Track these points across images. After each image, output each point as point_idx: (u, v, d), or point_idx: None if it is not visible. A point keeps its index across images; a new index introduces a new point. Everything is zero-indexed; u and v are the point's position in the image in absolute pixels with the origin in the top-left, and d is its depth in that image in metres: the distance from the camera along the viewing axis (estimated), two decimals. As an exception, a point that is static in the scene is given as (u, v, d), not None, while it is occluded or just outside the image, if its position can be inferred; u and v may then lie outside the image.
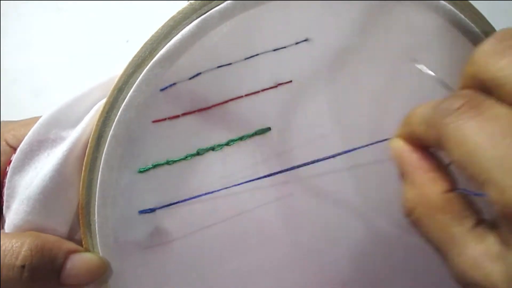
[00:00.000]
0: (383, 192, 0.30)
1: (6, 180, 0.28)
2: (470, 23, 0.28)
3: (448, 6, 0.28)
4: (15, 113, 0.44)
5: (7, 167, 0.28)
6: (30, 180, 0.27)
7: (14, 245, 0.25)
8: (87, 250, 0.28)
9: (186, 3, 0.27)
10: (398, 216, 0.29)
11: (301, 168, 0.29)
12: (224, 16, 0.26)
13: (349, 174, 0.30)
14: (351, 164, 0.30)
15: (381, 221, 0.30)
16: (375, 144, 0.29)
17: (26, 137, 0.28)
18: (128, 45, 0.50)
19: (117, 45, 0.49)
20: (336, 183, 0.30)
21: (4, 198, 0.28)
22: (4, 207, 0.28)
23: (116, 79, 0.26)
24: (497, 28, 0.30)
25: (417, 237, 0.30)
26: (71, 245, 0.27)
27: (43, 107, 0.31)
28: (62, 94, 0.28)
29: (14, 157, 0.27)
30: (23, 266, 0.25)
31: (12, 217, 0.27)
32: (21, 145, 0.27)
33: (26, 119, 0.30)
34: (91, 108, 0.27)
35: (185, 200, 0.28)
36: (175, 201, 0.28)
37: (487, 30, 0.29)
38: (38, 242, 0.26)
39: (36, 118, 0.29)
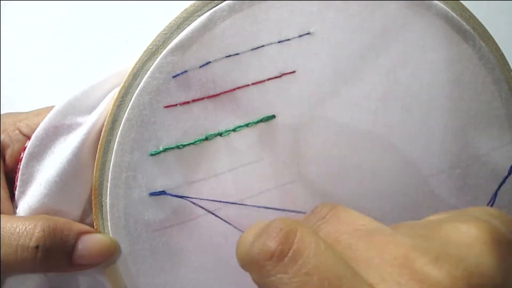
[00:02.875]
0: (385, 190, 0.32)
1: (21, 166, 0.29)
2: (461, 20, 0.30)
3: (440, 5, 0.30)
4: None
5: (22, 154, 0.29)
6: (47, 165, 0.28)
7: (28, 227, 0.26)
8: (98, 231, 0.29)
9: (187, 3, 0.29)
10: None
11: (302, 162, 0.30)
12: (233, 9, 0.28)
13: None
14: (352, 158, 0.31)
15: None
16: (375, 141, 0.31)
17: (41, 123, 0.29)
18: (128, 45, 0.51)
19: (117, 45, 0.50)
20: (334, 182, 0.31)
21: (18, 183, 0.29)
22: (17, 192, 0.29)
23: (131, 67, 0.28)
24: (497, 28, 0.32)
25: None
26: (82, 226, 0.28)
27: (42, 106, 0.32)
28: (62, 94, 0.29)
29: (29, 143, 0.28)
30: (36, 247, 0.26)
31: (28, 200, 0.28)
32: (36, 131, 0.29)
33: (38, 109, 0.31)
34: (106, 95, 0.29)
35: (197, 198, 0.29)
36: (184, 184, 0.29)
37: (477, 27, 0.31)
38: (50, 223, 0.27)
39: (48, 108, 0.30)
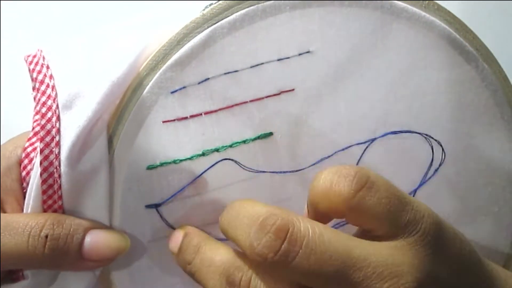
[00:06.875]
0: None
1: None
2: (464, 41, 0.30)
3: (443, 25, 0.30)
4: (15, 112, 0.44)
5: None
6: None
7: (39, 221, 0.28)
8: (107, 227, 0.29)
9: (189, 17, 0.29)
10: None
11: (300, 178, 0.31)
12: (233, 27, 0.28)
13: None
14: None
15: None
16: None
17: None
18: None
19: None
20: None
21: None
22: (27, 194, 0.29)
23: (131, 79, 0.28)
24: (497, 28, 0.31)
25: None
26: (91, 222, 0.29)
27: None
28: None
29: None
30: (46, 236, 0.27)
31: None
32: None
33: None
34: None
35: (181, 189, 0.29)
36: (178, 197, 0.29)
37: (480, 48, 0.31)
38: (60, 218, 0.28)
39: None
